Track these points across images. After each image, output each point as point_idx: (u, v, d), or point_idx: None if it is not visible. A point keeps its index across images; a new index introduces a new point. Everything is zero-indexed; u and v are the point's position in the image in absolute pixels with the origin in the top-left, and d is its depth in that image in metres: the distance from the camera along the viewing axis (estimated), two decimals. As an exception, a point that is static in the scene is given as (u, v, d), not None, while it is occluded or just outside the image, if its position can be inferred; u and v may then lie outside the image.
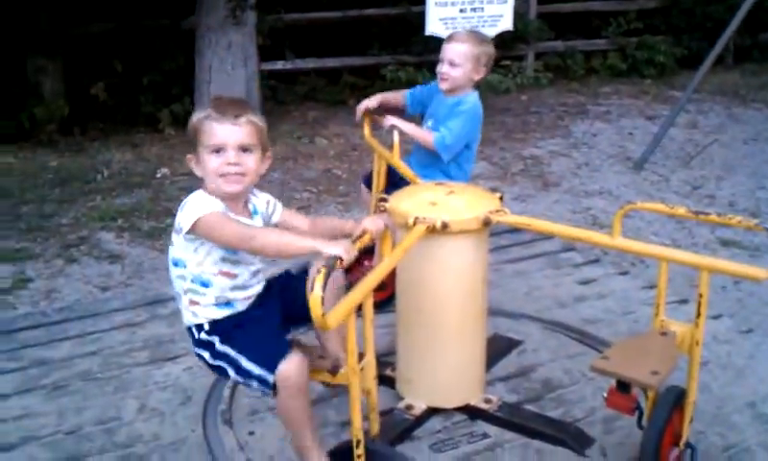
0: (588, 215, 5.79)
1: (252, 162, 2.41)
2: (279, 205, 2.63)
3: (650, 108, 9.29)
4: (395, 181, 3.64)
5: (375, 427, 2.59)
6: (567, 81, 10.47)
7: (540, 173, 6.87)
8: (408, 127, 3.64)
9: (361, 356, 2.44)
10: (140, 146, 7.53)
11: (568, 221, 5.66)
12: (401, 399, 3.06)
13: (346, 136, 8.01)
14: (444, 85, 3.62)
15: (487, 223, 2.79)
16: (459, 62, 3.55)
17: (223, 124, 2.36)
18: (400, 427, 2.91)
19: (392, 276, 3.41)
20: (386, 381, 3.17)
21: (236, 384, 3.20)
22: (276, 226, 2.58)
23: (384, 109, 3.73)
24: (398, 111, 3.81)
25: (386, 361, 3.28)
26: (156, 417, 3.05)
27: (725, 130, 8.41)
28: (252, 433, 2.95)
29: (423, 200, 2.88)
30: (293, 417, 2.36)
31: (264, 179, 7.09)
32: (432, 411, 3.01)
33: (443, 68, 3.59)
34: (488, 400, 3.05)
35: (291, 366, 2.27)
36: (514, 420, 2.96)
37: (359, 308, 2.33)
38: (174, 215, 2.45)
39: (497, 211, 2.81)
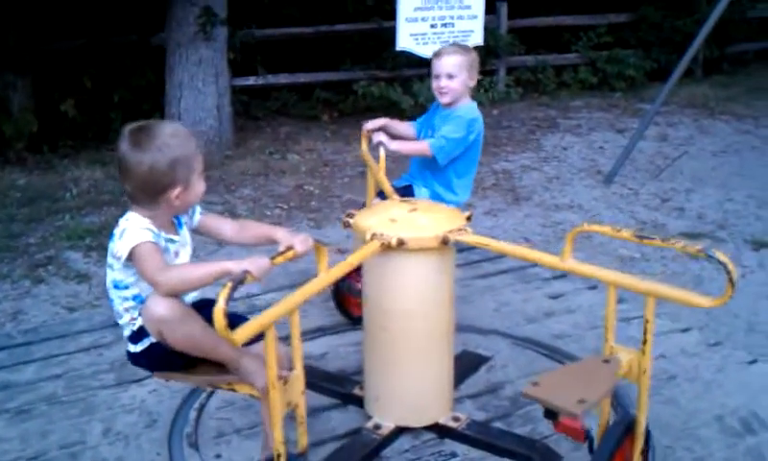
0: (558, 229, 5.82)
1: None
2: (198, 207, 2.64)
3: (620, 121, 9.38)
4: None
5: (304, 441, 2.57)
6: (538, 95, 10.56)
7: (511, 187, 6.90)
8: (397, 144, 3.74)
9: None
10: (110, 164, 7.46)
11: (539, 235, 5.69)
12: (369, 418, 3.04)
13: (318, 152, 8.01)
14: (445, 99, 3.72)
15: (445, 242, 2.79)
16: (455, 73, 3.67)
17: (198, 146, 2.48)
18: (368, 447, 2.89)
19: None
20: (354, 400, 3.17)
21: (203, 407, 3.19)
22: (196, 229, 2.63)
23: (389, 134, 3.80)
24: (405, 138, 3.89)
25: (355, 380, 3.28)
26: (121, 441, 3.01)
27: (694, 142, 8.51)
28: (218, 456, 2.91)
29: (386, 216, 2.88)
30: (196, 341, 2.38)
31: (235, 195, 7.05)
32: (400, 430, 3.00)
33: (441, 83, 3.70)
34: (456, 419, 3.04)
35: (163, 306, 2.32)
36: (482, 438, 2.95)
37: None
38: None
39: (459, 230, 2.81)
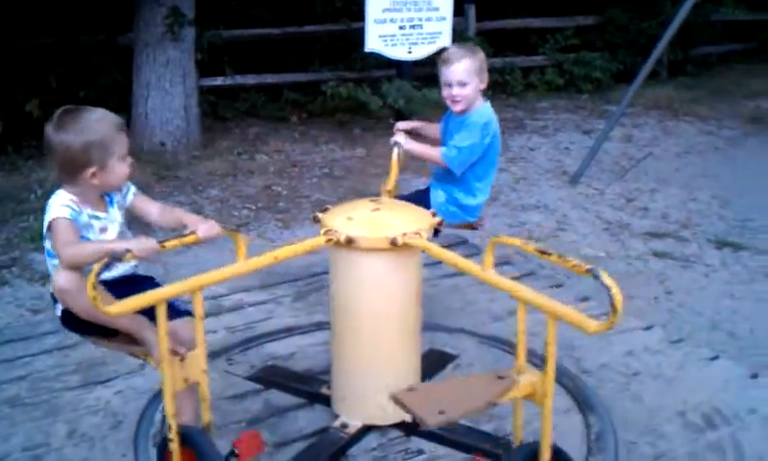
0: (523, 229, 5.87)
1: None
2: (133, 188, 2.79)
3: (586, 122, 9.48)
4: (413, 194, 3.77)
5: (206, 418, 2.61)
6: (506, 96, 10.63)
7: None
8: (412, 145, 3.67)
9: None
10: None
11: (506, 234, 5.72)
12: (337, 417, 3.05)
13: (286, 153, 8.00)
14: (458, 107, 3.60)
15: (394, 243, 2.78)
16: (467, 80, 3.55)
17: (125, 132, 2.64)
18: (335, 446, 2.89)
19: None
20: (322, 400, 3.17)
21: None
22: (129, 209, 2.78)
23: (419, 137, 3.77)
24: (436, 142, 3.82)
25: (322, 379, 3.28)
26: (86, 442, 2.98)
27: (658, 143, 8.63)
28: (184, 456, 2.90)
29: (349, 214, 2.91)
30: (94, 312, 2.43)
31: (202, 195, 7.00)
32: (367, 429, 3.01)
33: (453, 92, 3.56)
34: (423, 416, 3.05)
35: (62, 277, 2.48)
36: (448, 435, 2.96)
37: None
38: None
39: (413, 233, 2.79)
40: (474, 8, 10.31)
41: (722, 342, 4.17)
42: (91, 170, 2.55)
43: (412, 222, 2.90)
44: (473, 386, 2.45)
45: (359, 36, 8.27)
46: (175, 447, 2.48)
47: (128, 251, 2.36)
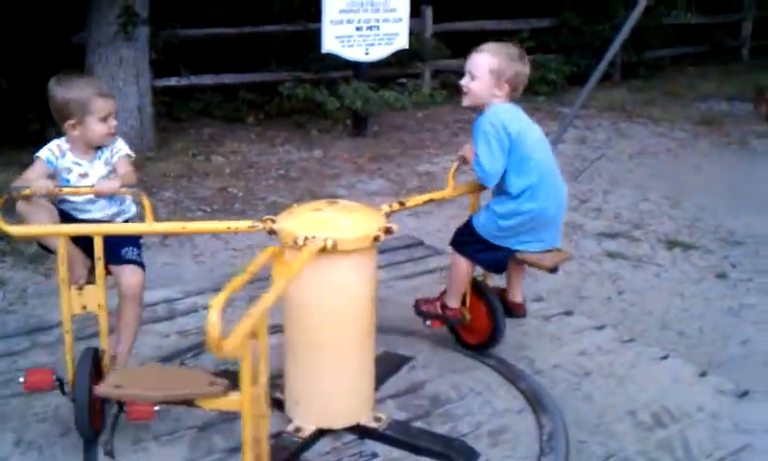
0: (480, 230, 5.89)
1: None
2: (123, 151, 3.19)
3: (542, 124, 9.36)
4: None
5: (103, 344, 3.01)
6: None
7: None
8: (468, 151, 3.49)
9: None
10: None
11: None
12: (290, 421, 3.03)
13: (243, 154, 7.94)
14: (464, 100, 3.36)
15: (296, 241, 2.77)
16: (478, 74, 3.28)
17: (108, 100, 3.09)
18: (289, 451, 2.88)
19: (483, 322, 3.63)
20: (275, 404, 3.14)
21: (119, 413, 3.12)
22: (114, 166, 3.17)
23: None
24: None
25: (276, 383, 3.26)
26: (34, 450, 2.93)
27: (612, 145, 8.75)
28: (135, 463, 2.87)
29: (296, 211, 2.98)
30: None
31: (156, 197, 6.89)
32: (321, 432, 3.00)
33: (462, 80, 3.33)
34: (377, 419, 3.05)
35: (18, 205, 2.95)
36: (402, 438, 2.97)
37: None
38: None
39: (323, 238, 2.74)
40: (431, 9, 10.35)
41: (672, 341, 4.23)
42: (71, 122, 3.03)
43: (344, 228, 2.85)
44: (181, 380, 2.53)
45: (315, 36, 8.25)
46: (66, 348, 2.95)
47: (27, 187, 2.87)
